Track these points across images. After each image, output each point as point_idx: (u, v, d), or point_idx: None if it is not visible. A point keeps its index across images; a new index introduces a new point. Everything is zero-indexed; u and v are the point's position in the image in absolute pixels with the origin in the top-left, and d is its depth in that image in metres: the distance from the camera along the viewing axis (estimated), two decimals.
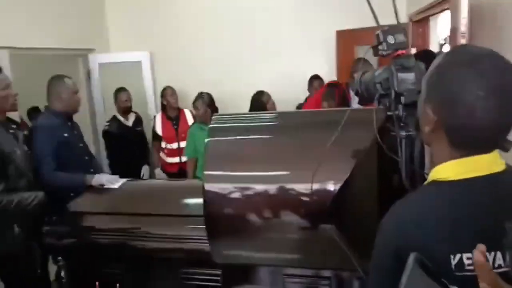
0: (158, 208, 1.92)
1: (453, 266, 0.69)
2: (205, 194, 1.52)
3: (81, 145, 2.44)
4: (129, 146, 3.53)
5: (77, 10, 3.94)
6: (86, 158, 2.45)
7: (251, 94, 3.56)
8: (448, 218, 0.72)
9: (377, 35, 1.08)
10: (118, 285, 1.83)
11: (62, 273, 1.94)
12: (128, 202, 2.03)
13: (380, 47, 1.07)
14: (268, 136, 1.61)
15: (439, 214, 0.73)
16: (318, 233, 1.48)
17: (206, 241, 1.62)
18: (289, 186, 1.48)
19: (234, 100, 3.91)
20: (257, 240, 1.57)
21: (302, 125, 1.62)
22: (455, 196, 0.73)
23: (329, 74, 3.89)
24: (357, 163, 1.38)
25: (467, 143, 0.73)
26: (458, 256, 0.69)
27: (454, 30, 1.58)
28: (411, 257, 0.64)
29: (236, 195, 1.52)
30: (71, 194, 2.10)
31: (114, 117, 3.69)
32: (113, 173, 2.48)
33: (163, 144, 3.64)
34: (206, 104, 3.22)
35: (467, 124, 0.71)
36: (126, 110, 3.63)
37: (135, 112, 3.82)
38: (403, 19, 3.38)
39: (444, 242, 0.70)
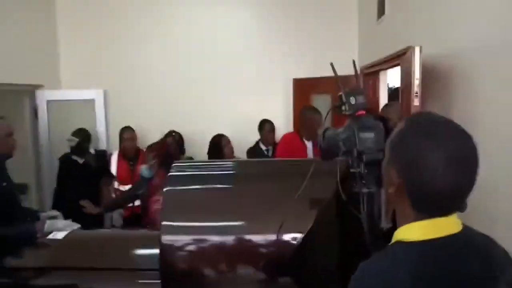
0: (106, 261, 1.77)
1: None
2: (161, 246, 1.44)
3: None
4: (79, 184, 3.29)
5: (26, 43, 3.74)
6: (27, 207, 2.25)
7: (209, 136, 3.53)
8: (412, 279, 0.73)
9: (340, 96, 1.13)
10: None
11: None
12: (73, 255, 1.86)
13: (342, 108, 1.12)
14: (227, 186, 1.59)
15: (404, 278, 0.74)
16: (279, 286, 1.44)
17: None
18: (249, 237, 1.44)
19: (192, 141, 3.86)
20: None
21: (262, 175, 1.62)
22: (417, 259, 0.75)
23: (286, 119, 4.00)
24: (318, 215, 1.38)
25: (428, 207, 0.76)
26: None
27: (407, 89, 1.70)
28: None
29: (194, 247, 1.46)
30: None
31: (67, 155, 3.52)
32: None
33: (116, 185, 3.46)
34: (176, 143, 3.16)
35: (427, 190, 0.74)
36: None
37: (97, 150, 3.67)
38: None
39: None
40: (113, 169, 3.49)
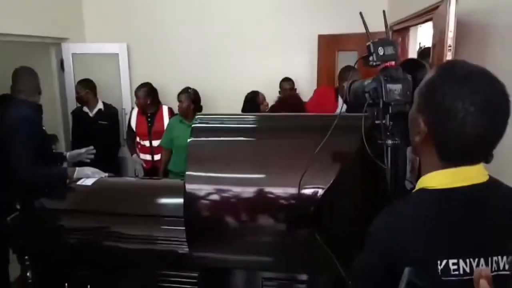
0: (133, 207, 1.86)
1: (439, 271, 0.72)
2: (185, 195, 1.49)
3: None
4: (90, 138, 3.28)
5: None
6: (54, 151, 2.42)
7: (232, 94, 3.52)
8: (435, 225, 0.75)
9: (368, 46, 1.10)
10: (88, 287, 1.76)
11: (28, 274, 1.84)
12: (101, 200, 1.95)
13: (370, 58, 1.09)
14: (252, 139, 1.60)
15: (427, 221, 0.76)
16: (301, 237, 1.49)
17: (183, 243, 1.58)
18: (273, 190, 1.47)
19: (215, 99, 3.87)
20: (239, 243, 1.55)
21: (288, 129, 1.62)
22: (442, 204, 0.76)
23: (310, 77, 3.92)
24: (342, 169, 1.39)
25: (455, 155, 0.77)
26: (444, 261, 0.72)
27: (440, 43, 1.63)
28: (406, 272, 0.65)
29: (218, 197, 1.50)
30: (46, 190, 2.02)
31: (79, 107, 3.66)
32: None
33: (137, 139, 3.56)
34: (191, 99, 3.19)
35: (456, 138, 0.74)
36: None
37: (105, 103, 3.70)
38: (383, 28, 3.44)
39: (431, 248, 0.73)
40: (133, 124, 3.55)
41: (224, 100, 3.92)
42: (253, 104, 3.36)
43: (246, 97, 3.50)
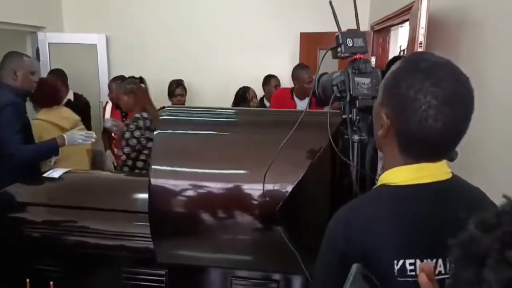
0: (99, 201, 1.79)
1: (396, 271, 0.69)
2: (150, 189, 1.44)
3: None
4: None
5: None
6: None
7: (213, 88, 3.47)
8: (393, 224, 0.72)
9: (337, 37, 1.07)
10: (51, 283, 1.69)
11: None
12: (67, 194, 1.89)
13: (338, 49, 1.06)
14: (221, 133, 1.55)
15: (385, 219, 0.73)
16: (268, 235, 1.45)
17: (150, 239, 1.53)
18: (239, 185, 1.42)
19: (195, 92, 3.80)
20: (205, 240, 1.50)
21: (258, 124, 1.58)
22: (401, 202, 0.74)
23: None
24: (310, 165, 1.36)
25: (416, 151, 0.74)
26: (401, 261, 0.69)
27: (412, 40, 1.62)
28: (354, 268, 0.63)
29: (184, 192, 1.45)
30: None
31: None
32: None
33: (113, 134, 3.47)
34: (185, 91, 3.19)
35: (417, 132, 0.71)
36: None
37: (76, 94, 3.58)
38: (366, 28, 3.45)
39: (389, 247, 0.70)
40: (107, 117, 3.44)
41: (207, 95, 3.87)
42: (243, 100, 3.34)
43: (238, 92, 3.46)
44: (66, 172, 2.01)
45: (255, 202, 1.41)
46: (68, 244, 1.73)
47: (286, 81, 3.79)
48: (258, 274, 1.65)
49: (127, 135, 2.62)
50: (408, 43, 1.63)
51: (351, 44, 1.04)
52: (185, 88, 3.37)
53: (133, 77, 2.99)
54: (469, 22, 1.50)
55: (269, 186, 1.34)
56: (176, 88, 3.35)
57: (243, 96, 3.37)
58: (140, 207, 1.67)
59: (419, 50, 1.52)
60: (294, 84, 3.22)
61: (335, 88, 1.07)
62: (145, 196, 1.61)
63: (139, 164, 2.69)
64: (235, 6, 3.96)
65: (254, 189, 1.40)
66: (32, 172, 2.18)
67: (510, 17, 1.23)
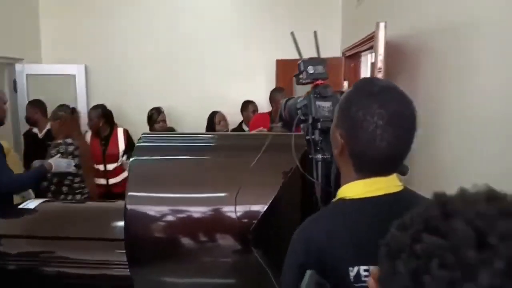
0: (77, 231, 1.79)
1: (352, 278, 0.74)
2: (126, 215, 1.45)
3: None
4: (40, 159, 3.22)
5: (7, 15, 3.66)
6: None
7: (193, 114, 3.53)
8: (348, 234, 0.77)
9: (299, 65, 1.15)
10: None
11: None
12: (44, 224, 1.87)
13: (300, 76, 1.13)
14: (195, 157, 1.59)
15: (341, 230, 0.78)
16: (244, 256, 1.47)
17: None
18: (215, 209, 1.45)
19: (175, 119, 3.85)
20: (181, 265, 1.51)
21: (231, 147, 1.63)
22: (355, 214, 0.79)
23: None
24: (282, 186, 1.40)
25: (367, 167, 0.80)
26: (356, 268, 0.74)
27: (374, 65, 1.73)
28: (307, 275, 0.67)
29: (159, 217, 1.46)
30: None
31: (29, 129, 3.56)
32: None
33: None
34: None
35: (367, 150, 0.78)
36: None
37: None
38: (338, 54, 3.62)
39: (344, 256, 0.75)
40: None
41: (186, 121, 3.93)
42: (211, 124, 3.42)
43: (208, 116, 3.55)
44: (42, 203, 1.99)
45: (231, 225, 1.44)
46: (47, 275, 1.70)
47: (264, 106, 3.89)
48: None
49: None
50: (371, 69, 1.74)
51: (312, 71, 1.13)
52: (164, 115, 3.43)
53: (64, 105, 3.07)
54: (424, 49, 1.63)
55: (242, 208, 1.37)
56: (158, 116, 3.40)
57: (211, 120, 3.46)
58: (118, 235, 1.67)
59: (379, 75, 1.62)
60: (272, 106, 3.35)
61: (299, 111, 1.14)
62: (122, 223, 1.62)
63: (64, 189, 2.77)
64: (213, 34, 4.07)
65: (229, 212, 1.44)
66: (6, 203, 2.15)
67: (457, 47, 1.34)
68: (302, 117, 1.13)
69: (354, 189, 0.81)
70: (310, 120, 1.10)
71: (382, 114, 0.76)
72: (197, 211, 1.46)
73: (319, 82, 1.13)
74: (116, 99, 3.74)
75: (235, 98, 3.81)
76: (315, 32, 1.26)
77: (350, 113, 0.80)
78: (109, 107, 3.46)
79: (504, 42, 1.05)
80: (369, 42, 2.31)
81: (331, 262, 0.75)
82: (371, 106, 0.77)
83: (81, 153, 2.83)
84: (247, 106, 3.74)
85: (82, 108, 4.01)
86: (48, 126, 3.49)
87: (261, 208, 1.38)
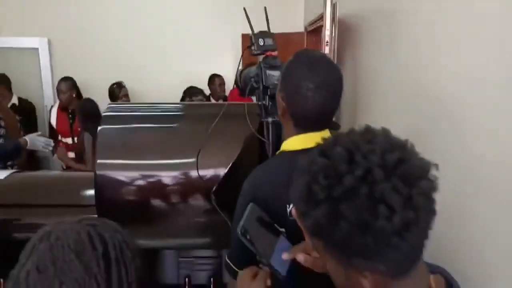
0: (49, 198, 1.87)
1: (288, 213, 0.91)
2: (96, 182, 1.55)
3: None
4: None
5: None
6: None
7: (157, 90, 3.56)
8: (286, 177, 0.92)
9: (250, 38, 1.27)
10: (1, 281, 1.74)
11: None
12: (13, 193, 1.93)
13: (252, 48, 1.26)
14: (160, 125, 1.70)
15: (281, 175, 0.95)
16: (207, 215, 1.61)
17: None
18: (180, 173, 1.58)
19: (139, 95, 3.88)
20: (151, 227, 1.64)
21: (195, 116, 1.75)
22: (292, 161, 0.94)
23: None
24: (241, 150, 1.55)
25: (303, 124, 0.97)
26: (291, 205, 0.91)
27: (322, 40, 1.89)
28: (249, 207, 0.84)
29: (127, 182, 1.58)
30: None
31: None
32: None
33: (59, 137, 3.46)
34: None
35: (302, 110, 0.94)
36: None
37: (21, 98, 3.56)
38: (301, 29, 3.73)
39: (283, 195, 0.91)
40: (53, 121, 3.43)
41: (151, 95, 3.96)
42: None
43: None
44: (12, 173, 2.05)
45: (195, 188, 1.57)
46: (18, 242, 1.78)
47: (231, 80, 3.97)
48: (204, 254, 1.81)
49: None
50: (322, 42, 1.91)
51: (262, 43, 1.26)
52: (126, 90, 3.43)
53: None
54: (367, 27, 1.80)
55: (205, 172, 1.51)
56: (120, 90, 3.41)
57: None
58: (89, 201, 1.77)
59: (326, 48, 1.79)
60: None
61: (252, 79, 1.27)
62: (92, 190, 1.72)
63: None
64: (178, 8, 4.07)
65: (193, 176, 1.57)
66: None
67: (392, 25, 1.51)
68: (254, 85, 1.27)
69: (293, 143, 0.98)
70: (261, 87, 1.24)
71: (314, 80, 0.92)
72: (164, 175, 1.58)
73: (269, 53, 1.26)
74: (81, 73, 3.70)
75: (203, 72, 3.87)
76: (265, 8, 1.38)
77: (289, 79, 0.95)
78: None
79: (427, 22, 1.22)
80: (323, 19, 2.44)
81: (272, 201, 0.92)
82: (305, 73, 0.93)
83: (6, 125, 2.73)
84: (214, 79, 3.82)
85: (47, 83, 3.97)
86: (13, 100, 3.46)
87: (222, 171, 1.53)
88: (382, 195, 0.49)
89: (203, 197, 1.59)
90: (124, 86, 3.47)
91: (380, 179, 0.49)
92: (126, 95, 3.48)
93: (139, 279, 0.54)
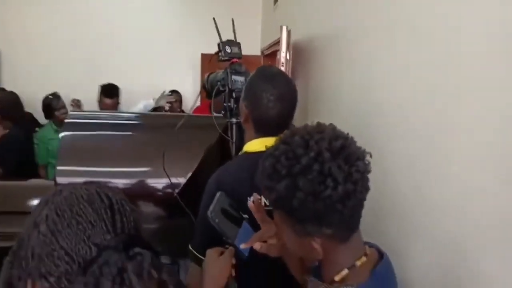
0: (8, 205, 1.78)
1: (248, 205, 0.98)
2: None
3: None
4: None
5: None
6: None
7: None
8: (248, 174, 1.02)
9: (218, 45, 1.37)
10: None
11: None
12: None
13: (219, 54, 1.36)
14: (122, 133, 1.71)
15: (242, 173, 1.06)
16: (170, 220, 1.62)
17: None
18: (141, 180, 1.59)
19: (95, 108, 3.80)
20: None
21: (157, 125, 1.78)
22: (252, 161, 1.02)
23: (194, 93, 4.16)
24: (204, 156, 1.60)
25: (263, 130, 1.10)
26: (252, 197, 1.02)
27: (278, 62, 2.18)
28: (217, 195, 0.94)
29: None
30: None
31: None
32: None
33: None
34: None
35: (263, 117, 1.08)
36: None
37: None
38: (258, 52, 3.93)
39: (245, 190, 1.03)
40: None
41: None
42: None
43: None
44: None
45: (158, 192, 1.59)
46: None
47: (190, 98, 4.05)
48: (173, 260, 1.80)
49: None
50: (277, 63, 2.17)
51: (229, 51, 1.36)
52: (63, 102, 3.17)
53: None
54: (317, 50, 2.04)
55: (167, 179, 1.54)
56: (58, 102, 3.07)
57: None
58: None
59: (282, 67, 2.09)
60: None
61: (218, 83, 1.37)
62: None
63: None
64: (138, 26, 4.11)
65: (154, 183, 1.59)
66: None
67: (337, 50, 1.71)
68: (221, 88, 1.36)
69: (253, 145, 1.10)
70: (227, 91, 1.33)
71: (273, 92, 1.07)
72: (122, 182, 1.59)
73: (234, 60, 1.37)
74: (30, 85, 3.58)
75: (161, 89, 3.88)
76: (232, 20, 1.50)
77: (252, 90, 1.10)
78: (24, 93, 3.28)
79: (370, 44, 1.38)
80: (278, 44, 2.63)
81: (237, 196, 1.01)
82: (266, 86, 1.07)
83: None
84: (172, 95, 3.85)
85: None
86: None
87: (182, 179, 1.57)
88: (329, 171, 0.63)
89: (160, 204, 1.61)
90: (60, 98, 3.15)
91: (328, 159, 0.64)
92: (64, 107, 3.14)
93: (136, 228, 0.64)
